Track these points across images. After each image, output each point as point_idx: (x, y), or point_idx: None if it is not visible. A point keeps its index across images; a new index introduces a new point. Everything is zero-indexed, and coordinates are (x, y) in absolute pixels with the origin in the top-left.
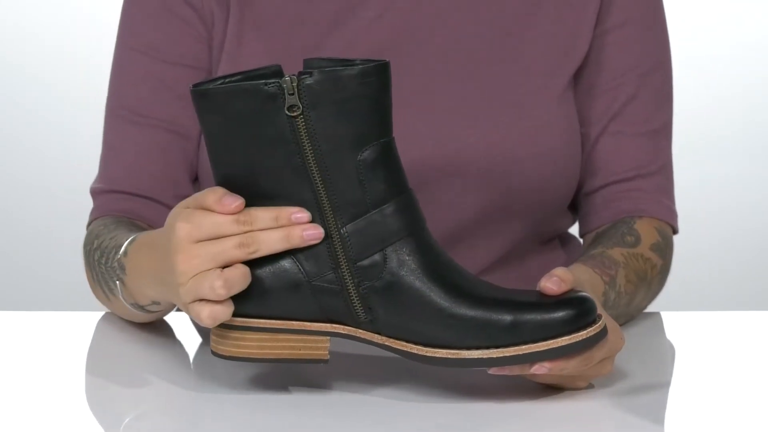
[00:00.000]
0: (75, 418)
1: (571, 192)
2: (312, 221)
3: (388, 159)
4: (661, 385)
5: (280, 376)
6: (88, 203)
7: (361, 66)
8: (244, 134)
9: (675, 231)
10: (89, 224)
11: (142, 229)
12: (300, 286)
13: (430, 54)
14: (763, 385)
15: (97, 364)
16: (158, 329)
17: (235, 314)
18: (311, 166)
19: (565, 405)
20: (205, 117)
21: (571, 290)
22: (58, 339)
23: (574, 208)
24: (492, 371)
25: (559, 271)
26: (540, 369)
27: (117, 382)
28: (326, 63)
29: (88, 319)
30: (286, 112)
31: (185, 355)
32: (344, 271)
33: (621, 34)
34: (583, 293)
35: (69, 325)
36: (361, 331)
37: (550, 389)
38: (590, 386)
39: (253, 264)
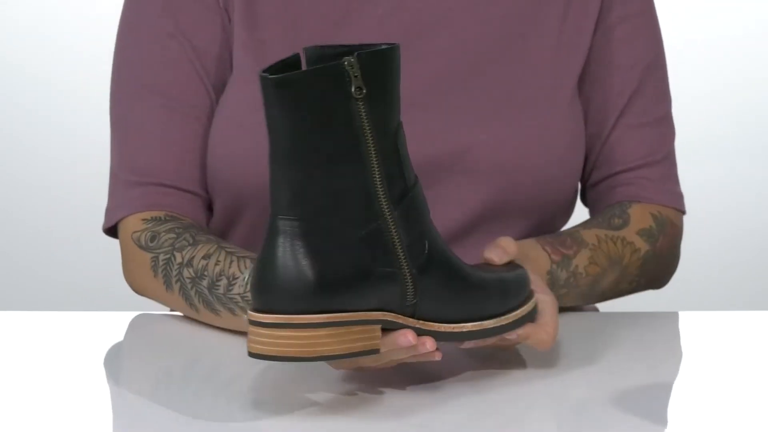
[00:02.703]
0: (75, 418)
1: (573, 190)
2: (369, 206)
3: (404, 140)
4: (661, 385)
5: (286, 381)
6: (88, 204)
7: (393, 46)
8: (309, 120)
9: (682, 212)
10: (125, 216)
11: (206, 232)
12: (370, 274)
13: (439, 52)
14: (763, 385)
15: (98, 364)
16: (161, 330)
17: (296, 310)
18: (370, 150)
19: (566, 406)
20: (275, 105)
21: (512, 262)
22: (58, 339)
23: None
24: (466, 345)
25: (504, 241)
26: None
27: (119, 382)
28: (327, 50)
29: (88, 319)
30: (354, 94)
31: (188, 354)
32: (399, 255)
33: (624, 28)
34: (520, 270)
35: (69, 325)
36: (401, 316)
37: (549, 390)
38: (580, 380)
39: (329, 256)
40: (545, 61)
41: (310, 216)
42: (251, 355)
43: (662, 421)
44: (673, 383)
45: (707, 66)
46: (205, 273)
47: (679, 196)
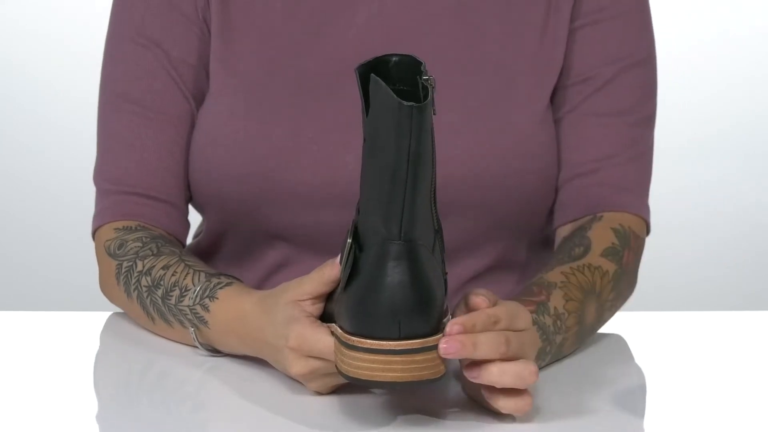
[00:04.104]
0: (75, 418)
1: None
2: (432, 220)
3: None
4: (659, 386)
5: (285, 384)
6: (89, 203)
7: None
8: (425, 140)
9: (647, 226)
10: (101, 225)
11: (172, 244)
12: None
13: None
14: (762, 385)
15: (99, 364)
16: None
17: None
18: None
19: (563, 410)
20: (407, 133)
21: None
22: (58, 339)
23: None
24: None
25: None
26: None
27: (119, 383)
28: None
29: (88, 319)
30: (434, 110)
31: (189, 356)
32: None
33: (587, 31)
34: None
35: (69, 325)
36: None
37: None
38: (576, 381)
39: (435, 274)
40: (522, 73)
41: (423, 236)
42: (390, 385)
43: (661, 421)
44: (671, 384)
45: (708, 66)
46: (161, 283)
47: (644, 207)
